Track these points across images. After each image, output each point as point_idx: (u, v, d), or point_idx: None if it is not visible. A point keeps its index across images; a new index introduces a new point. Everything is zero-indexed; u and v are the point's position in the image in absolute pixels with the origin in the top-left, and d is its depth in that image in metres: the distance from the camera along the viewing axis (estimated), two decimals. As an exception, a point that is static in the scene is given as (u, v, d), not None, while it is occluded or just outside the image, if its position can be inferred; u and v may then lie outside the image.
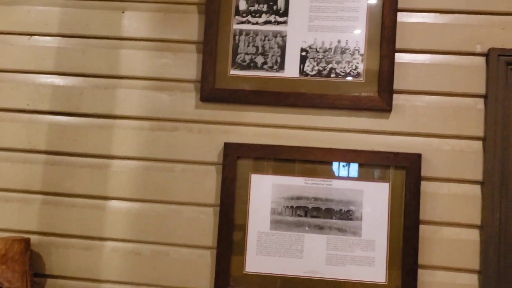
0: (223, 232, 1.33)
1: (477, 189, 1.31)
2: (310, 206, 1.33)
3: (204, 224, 1.37)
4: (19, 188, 1.43)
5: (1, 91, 1.45)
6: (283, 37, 1.37)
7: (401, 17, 1.36)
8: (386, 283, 1.30)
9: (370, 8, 1.35)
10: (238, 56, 1.38)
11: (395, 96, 1.34)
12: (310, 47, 1.36)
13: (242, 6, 1.39)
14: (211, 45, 1.37)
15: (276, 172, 1.35)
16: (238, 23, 1.39)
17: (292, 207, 1.34)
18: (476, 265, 1.29)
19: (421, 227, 1.30)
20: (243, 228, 1.34)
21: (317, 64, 1.36)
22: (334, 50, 1.36)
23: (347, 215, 1.32)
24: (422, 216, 1.30)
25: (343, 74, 1.35)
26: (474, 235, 1.30)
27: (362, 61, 1.34)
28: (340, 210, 1.32)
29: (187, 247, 1.37)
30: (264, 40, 1.38)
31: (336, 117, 1.36)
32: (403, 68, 1.35)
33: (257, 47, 1.38)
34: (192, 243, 1.37)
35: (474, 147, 1.32)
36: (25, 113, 1.44)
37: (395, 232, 1.30)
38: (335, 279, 1.31)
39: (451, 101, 1.34)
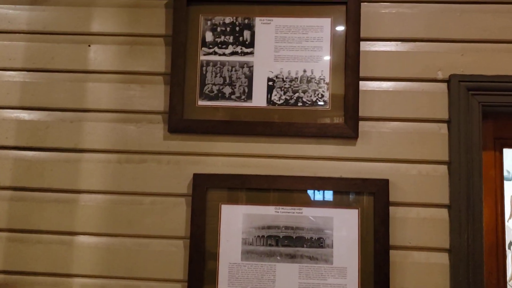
0: (194, 265, 1.32)
1: (444, 212, 1.33)
2: (281, 235, 1.33)
3: (174, 257, 1.35)
4: (-17, 225, 1.39)
5: (-36, 126, 1.43)
6: (250, 67, 1.39)
7: (364, 46, 1.39)
8: (358, 311, 1.29)
9: (333, 38, 1.38)
10: (205, 87, 1.39)
11: (361, 123, 1.36)
12: (276, 77, 1.38)
13: (209, 37, 1.40)
14: (179, 76, 1.38)
15: (246, 201, 1.35)
16: (205, 54, 1.40)
17: (263, 236, 1.33)
18: (446, 288, 1.31)
19: (392, 252, 1.31)
20: (214, 259, 1.33)
21: (284, 93, 1.37)
22: (300, 79, 1.38)
23: (318, 242, 1.32)
24: (392, 241, 1.31)
25: (309, 102, 1.37)
26: (443, 259, 1.32)
27: (327, 89, 1.37)
28: (311, 238, 1.32)
29: (158, 281, 1.35)
30: (231, 70, 1.39)
31: (304, 145, 1.37)
32: (368, 96, 1.38)
33: (224, 78, 1.39)
34: (163, 277, 1.35)
35: (440, 171, 1.35)
36: (-10, 149, 1.42)
37: (366, 258, 1.31)
38: (308, 308, 1.30)
39: (416, 127, 1.36)
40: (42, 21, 1.46)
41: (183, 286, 1.34)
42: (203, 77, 1.39)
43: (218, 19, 1.41)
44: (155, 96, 1.41)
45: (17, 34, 1.46)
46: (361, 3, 1.39)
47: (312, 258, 1.32)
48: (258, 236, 1.33)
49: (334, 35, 1.38)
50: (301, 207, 1.34)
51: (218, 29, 1.40)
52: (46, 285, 1.36)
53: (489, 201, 1.41)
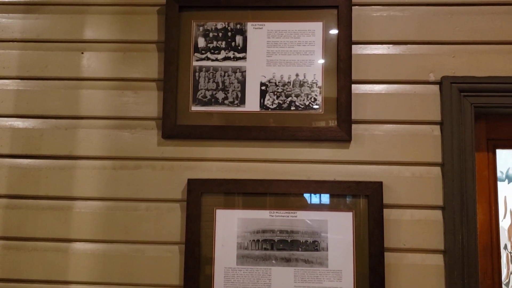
0: (190, 270, 1.32)
1: (438, 214, 1.34)
2: (276, 239, 1.33)
3: (170, 263, 1.35)
4: (-21, 234, 1.39)
5: (-41, 135, 1.43)
6: (243, 72, 1.40)
7: (356, 49, 1.40)
8: (354, 313, 1.30)
9: (325, 42, 1.39)
10: (199, 92, 1.39)
11: (354, 126, 1.36)
12: (269, 81, 1.39)
13: (201, 43, 1.41)
14: (172, 82, 1.38)
15: (241, 206, 1.35)
16: (197, 60, 1.41)
17: (258, 240, 1.33)
18: (442, 290, 1.31)
19: (386, 254, 1.31)
20: (210, 264, 1.33)
21: (277, 98, 1.38)
22: (293, 83, 1.38)
23: (313, 246, 1.32)
24: (386, 244, 1.32)
25: (302, 106, 1.37)
26: (438, 260, 1.32)
27: (320, 93, 1.37)
28: (306, 241, 1.33)
29: (154, 286, 1.35)
30: (224, 75, 1.40)
31: (298, 149, 1.38)
32: (361, 99, 1.38)
33: (217, 83, 1.39)
34: (159, 283, 1.35)
35: (433, 173, 1.35)
36: (-16, 157, 1.42)
37: (361, 260, 1.31)
38: (303, 312, 1.31)
39: (409, 129, 1.37)
40: (36, 29, 1.46)
41: (179, 291, 1.34)
42: (196, 82, 1.40)
43: (210, 25, 1.42)
44: (149, 102, 1.41)
45: (11, 43, 1.46)
46: (353, 7, 1.39)
47: (307, 262, 1.32)
48: (253, 240, 1.33)
49: (326, 39, 1.39)
50: (295, 211, 1.34)
51: (210, 34, 1.41)
52: (43, 292, 1.36)
53: (483, 202, 1.42)
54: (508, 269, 1.85)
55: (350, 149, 1.37)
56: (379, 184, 1.33)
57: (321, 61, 1.39)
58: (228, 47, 1.41)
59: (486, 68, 1.37)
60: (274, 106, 1.38)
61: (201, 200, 1.35)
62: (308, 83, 1.38)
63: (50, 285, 1.36)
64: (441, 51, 1.39)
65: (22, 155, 1.41)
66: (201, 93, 1.39)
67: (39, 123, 1.42)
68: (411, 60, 1.39)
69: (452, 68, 1.38)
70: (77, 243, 1.37)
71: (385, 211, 1.33)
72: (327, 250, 1.32)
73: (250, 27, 1.41)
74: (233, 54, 1.40)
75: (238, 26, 1.41)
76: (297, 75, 1.39)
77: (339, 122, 1.35)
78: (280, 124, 1.37)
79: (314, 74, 1.38)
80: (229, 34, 1.41)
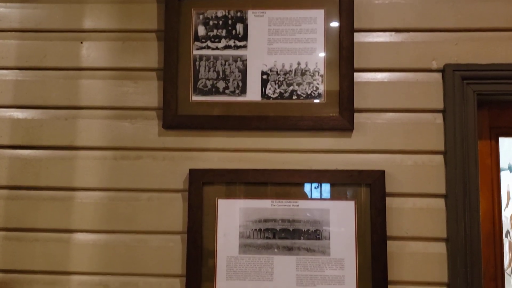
0: (192, 259, 1.32)
1: (441, 202, 1.33)
2: (278, 227, 1.33)
3: (172, 252, 1.35)
4: (-20, 225, 1.39)
5: (-42, 126, 1.42)
6: (244, 61, 1.38)
7: (358, 37, 1.38)
8: (357, 302, 1.30)
9: (327, 30, 1.38)
10: (199, 82, 1.38)
11: (356, 114, 1.35)
12: (270, 70, 1.38)
13: (201, 32, 1.40)
14: (172, 71, 1.37)
15: (243, 196, 1.35)
16: (197, 49, 1.39)
17: (260, 230, 1.33)
18: (444, 278, 1.31)
19: (389, 242, 1.31)
20: (212, 254, 1.33)
21: (279, 87, 1.37)
22: (295, 72, 1.37)
23: (315, 234, 1.32)
24: (389, 232, 1.31)
25: (304, 95, 1.36)
26: (441, 248, 1.32)
27: (322, 82, 1.36)
28: (308, 230, 1.33)
29: (156, 276, 1.35)
30: (225, 64, 1.38)
31: (300, 138, 1.37)
32: (363, 87, 1.37)
33: (218, 72, 1.38)
34: (161, 272, 1.35)
35: (435, 161, 1.35)
36: (-16, 148, 1.41)
37: (363, 249, 1.31)
38: (306, 300, 1.31)
39: (411, 117, 1.36)
40: (34, 18, 1.45)
41: (181, 281, 1.34)
42: (196, 72, 1.39)
43: (210, 13, 1.40)
44: (149, 92, 1.40)
45: (9, 33, 1.45)
46: (354, -6, 1.38)
47: (309, 250, 1.32)
48: (255, 229, 1.33)
49: (327, 26, 1.38)
50: (297, 200, 1.34)
51: (211, 22, 1.40)
52: (44, 283, 1.36)
53: (485, 190, 1.41)
54: (510, 257, 1.85)
55: (352, 138, 1.36)
56: (382, 173, 1.32)
57: (323, 49, 1.37)
58: (229, 36, 1.39)
59: (489, 56, 1.36)
60: (276, 95, 1.37)
61: (202, 190, 1.34)
62: (309, 72, 1.37)
63: (51, 276, 1.36)
64: (444, 39, 1.38)
65: (22, 145, 1.40)
66: (202, 82, 1.38)
67: (39, 114, 1.41)
68: (413, 47, 1.38)
69: (454, 56, 1.37)
70: (79, 233, 1.37)
71: (388, 199, 1.32)
72: (329, 238, 1.32)
73: (251, 14, 1.39)
74: (234, 42, 1.39)
75: (239, 14, 1.40)
76: (298, 63, 1.37)
77: (341, 110, 1.34)
78: (281, 114, 1.36)
79: (316, 63, 1.37)
80: (230, 22, 1.39)
